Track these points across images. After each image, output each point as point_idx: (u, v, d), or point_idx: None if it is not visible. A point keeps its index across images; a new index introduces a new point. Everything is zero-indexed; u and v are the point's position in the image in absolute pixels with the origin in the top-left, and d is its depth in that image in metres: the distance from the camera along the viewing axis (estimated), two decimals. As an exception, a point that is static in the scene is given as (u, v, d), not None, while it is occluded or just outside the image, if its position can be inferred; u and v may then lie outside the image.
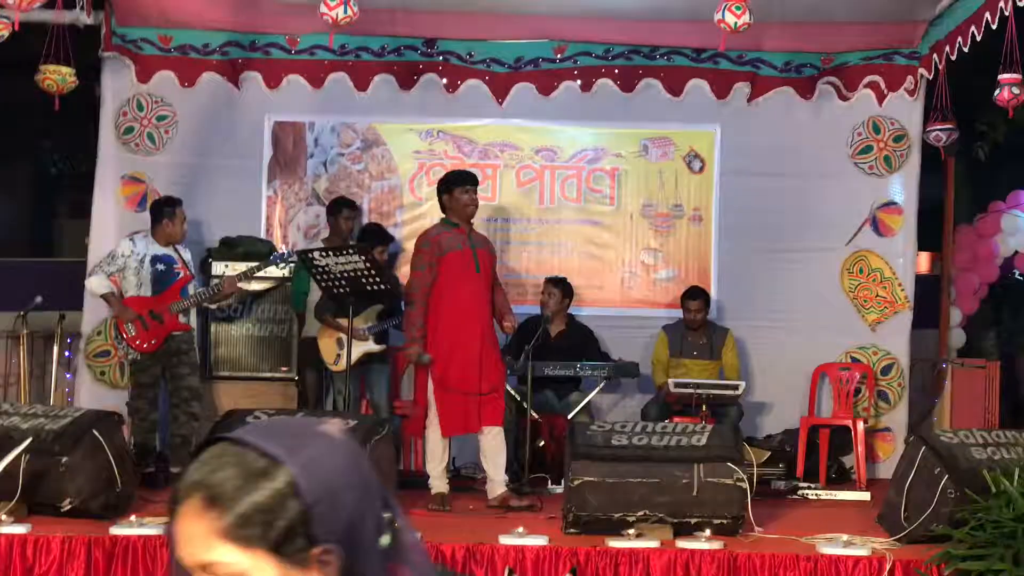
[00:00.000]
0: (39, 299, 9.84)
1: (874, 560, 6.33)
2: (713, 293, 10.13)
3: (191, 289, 8.95)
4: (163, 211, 8.97)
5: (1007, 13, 7.95)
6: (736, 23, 7.22)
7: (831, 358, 10.08)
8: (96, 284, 8.88)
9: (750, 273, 10.24)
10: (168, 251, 8.90)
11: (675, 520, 6.74)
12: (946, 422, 10.42)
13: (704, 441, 7.01)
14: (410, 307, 8.01)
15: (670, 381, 9.19)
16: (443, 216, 8.18)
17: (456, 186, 8.08)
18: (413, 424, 8.18)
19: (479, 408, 7.87)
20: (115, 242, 9.22)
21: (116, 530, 6.50)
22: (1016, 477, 6.23)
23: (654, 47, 10.18)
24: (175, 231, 8.94)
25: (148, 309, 8.71)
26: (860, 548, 6.42)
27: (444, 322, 7.92)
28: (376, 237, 9.38)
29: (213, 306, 9.23)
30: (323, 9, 7.42)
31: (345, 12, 7.41)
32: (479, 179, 8.33)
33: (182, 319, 8.83)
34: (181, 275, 8.89)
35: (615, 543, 6.44)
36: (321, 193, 10.27)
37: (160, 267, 8.83)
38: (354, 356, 8.55)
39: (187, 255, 9.04)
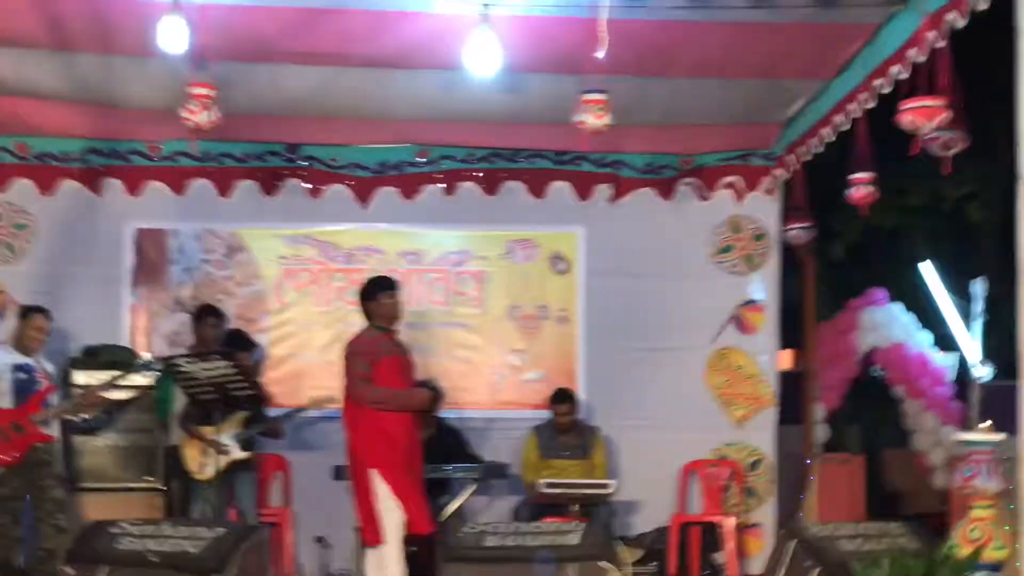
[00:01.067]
0: None
1: (748, 655, 6.34)
2: (581, 393, 10.16)
3: (54, 399, 8.74)
4: (19, 317, 8.83)
5: (857, 115, 8.18)
6: (596, 124, 7.30)
7: (700, 455, 10.16)
8: None
9: (617, 372, 10.29)
10: (28, 360, 8.70)
11: (550, 621, 6.70)
12: (813, 516, 10.51)
13: (577, 540, 7.01)
14: (376, 398, 7.97)
15: (541, 481, 9.17)
16: (369, 322, 8.24)
17: (380, 292, 8.22)
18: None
19: None
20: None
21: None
22: (885, 568, 6.29)
23: (516, 150, 10.30)
24: (28, 337, 8.72)
25: (9, 421, 8.48)
26: (734, 643, 6.43)
27: (392, 427, 7.95)
28: (240, 343, 9.30)
29: (76, 418, 9.02)
30: (185, 115, 7.37)
31: (208, 117, 7.36)
32: (396, 284, 8.42)
33: (44, 430, 8.62)
34: (43, 385, 8.68)
35: (490, 646, 6.38)
36: (185, 300, 10.15)
37: (21, 375, 8.62)
38: (220, 464, 8.41)
39: (48, 366, 8.84)
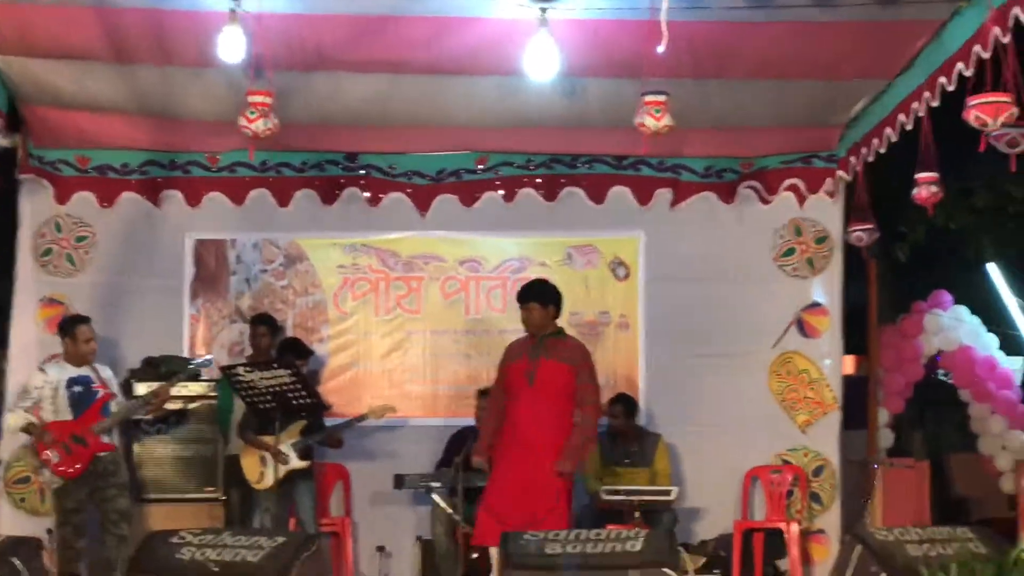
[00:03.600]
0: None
1: (816, 662, 6.26)
2: (642, 400, 10.09)
3: (113, 407, 8.75)
4: (64, 331, 8.85)
5: (920, 114, 8.06)
6: (656, 126, 7.22)
7: (762, 461, 10.05)
8: (13, 420, 8.69)
9: (678, 378, 10.20)
10: (83, 371, 8.72)
11: (613, 629, 6.63)
12: (878, 522, 10.40)
13: (639, 547, 6.92)
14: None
15: (602, 489, 9.11)
16: None
17: (518, 301, 8.42)
18: None
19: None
20: (36, 366, 9.07)
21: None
22: (954, 573, 6.19)
23: (575, 155, 10.22)
24: (80, 350, 8.75)
25: (70, 433, 8.51)
26: (801, 651, 6.34)
27: (500, 440, 8.17)
28: (294, 351, 9.29)
29: (147, 416, 9.01)
30: (243, 122, 7.37)
31: (265, 125, 7.36)
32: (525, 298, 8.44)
33: (106, 439, 8.64)
34: (100, 394, 8.70)
35: (553, 654, 6.32)
36: (245, 310, 10.16)
37: (77, 389, 8.63)
38: (279, 473, 8.42)
39: (106, 373, 8.86)
